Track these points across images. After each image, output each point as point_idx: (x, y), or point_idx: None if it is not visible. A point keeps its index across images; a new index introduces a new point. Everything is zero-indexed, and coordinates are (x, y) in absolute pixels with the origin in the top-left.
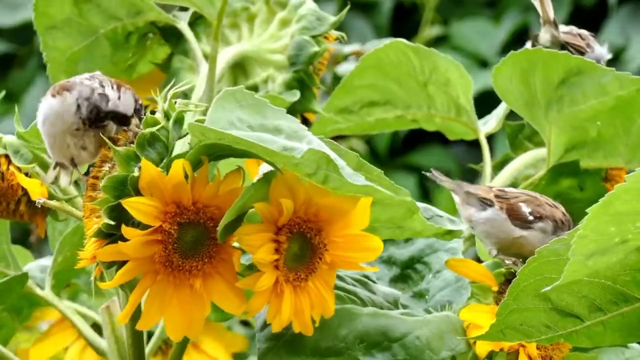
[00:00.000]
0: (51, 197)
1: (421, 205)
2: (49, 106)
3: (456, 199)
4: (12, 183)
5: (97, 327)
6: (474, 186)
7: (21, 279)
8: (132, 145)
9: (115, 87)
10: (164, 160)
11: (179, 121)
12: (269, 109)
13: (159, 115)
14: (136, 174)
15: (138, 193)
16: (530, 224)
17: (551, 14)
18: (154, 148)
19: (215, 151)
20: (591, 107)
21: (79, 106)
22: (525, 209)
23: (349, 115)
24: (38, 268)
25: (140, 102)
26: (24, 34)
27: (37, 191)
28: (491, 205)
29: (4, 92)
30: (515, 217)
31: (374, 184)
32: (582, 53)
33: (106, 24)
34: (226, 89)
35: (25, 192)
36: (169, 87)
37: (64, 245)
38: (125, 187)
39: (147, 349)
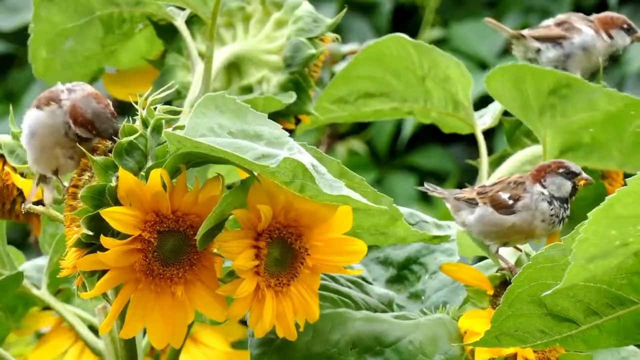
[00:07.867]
0: None
1: (406, 210)
2: (37, 118)
3: (449, 207)
4: (7, 183)
5: (92, 330)
6: (461, 191)
7: (16, 278)
8: (110, 153)
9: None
10: (143, 169)
11: (158, 128)
12: (250, 114)
13: (137, 123)
14: (113, 183)
15: (117, 202)
16: (512, 208)
17: (510, 31)
18: (132, 157)
19: (193, 159)
20: (582, 119)
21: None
22: (504, 195)
23: (345, 105)
24: (34, 268)
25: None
26: (24, 34)
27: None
28: (476, 204)
29: None
30: (499, 206)
31: (350, 193)
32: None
33: (104, 7)
34: (207, 95)
35: (21, 192)
36: (147, 93)
37: (60, 245)
38: (104, 196)
39: (142, 346)
